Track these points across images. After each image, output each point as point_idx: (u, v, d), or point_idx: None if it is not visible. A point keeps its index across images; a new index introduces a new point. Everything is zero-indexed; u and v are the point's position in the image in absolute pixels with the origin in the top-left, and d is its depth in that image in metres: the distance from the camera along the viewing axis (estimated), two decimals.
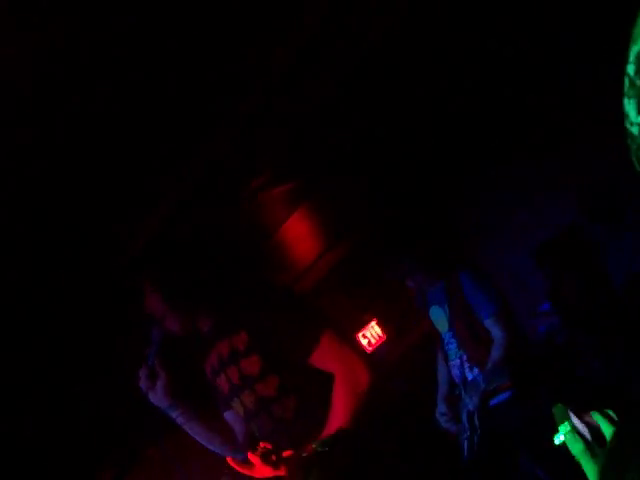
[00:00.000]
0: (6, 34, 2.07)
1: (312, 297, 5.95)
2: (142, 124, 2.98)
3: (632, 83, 0.80)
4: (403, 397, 5.23)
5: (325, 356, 2.38)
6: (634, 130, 0.81)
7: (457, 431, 3.75)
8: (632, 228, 4.19)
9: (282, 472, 1.97)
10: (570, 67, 4.69)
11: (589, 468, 1.20)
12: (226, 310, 2.55)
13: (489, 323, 3.75)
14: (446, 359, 3.98)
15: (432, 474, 2.77)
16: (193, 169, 3.50)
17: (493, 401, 3.64)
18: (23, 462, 3.80)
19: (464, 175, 5.99)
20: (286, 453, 2.09)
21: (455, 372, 3.90)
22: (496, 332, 3.72)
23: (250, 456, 2.01)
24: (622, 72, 0.81)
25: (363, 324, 6.62)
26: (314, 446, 1.60)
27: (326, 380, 2.37)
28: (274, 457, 1.97)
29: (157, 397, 2.52)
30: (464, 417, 3.65)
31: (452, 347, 3.92)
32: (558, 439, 1.24)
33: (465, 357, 3.84)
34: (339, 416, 2.30)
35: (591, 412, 1.24)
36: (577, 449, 1.22)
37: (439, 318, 3.98)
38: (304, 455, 1.61)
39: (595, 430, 1.22)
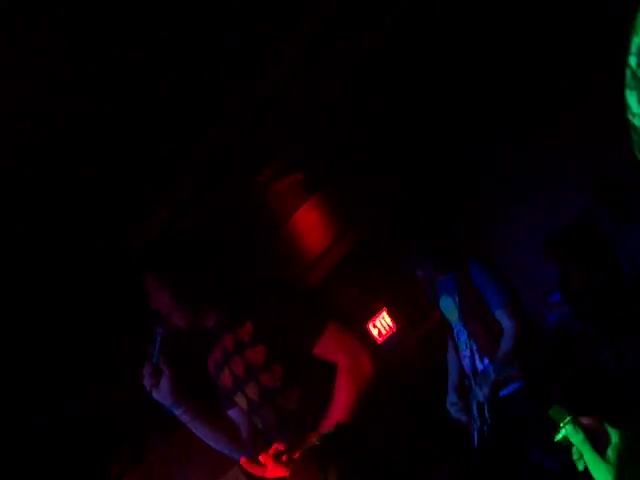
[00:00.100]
0: (6, 34, 2.08)
1: (323, 286, 5.96)
2: (154, 115, 3.00)
3: (634, 75, 0.79)
4: (413, 387, 5.25)
5: (329, 347, 2.37)
6: (636, 121, 0.81)
7: (467, 421, 3.77)
8: None
9: (286, 472, 1.95)
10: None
11: (590, 458, 1.23)
12: (232, 304, 2.54)
13: (499, 314, 3.75)
14: (456, 349, 3.99)
15: (442, 464, 2.78)
16: (203, 160, 3.51)
17: (503, 392, 3.66)
18: (26, 461, 3.80)
19: (475, 165, 5.98)
20: (297, 454, 2.09)
21: (466, 362, 3.90)
22: (506, 323, 3.72)
23: (262, 457, 2.00)
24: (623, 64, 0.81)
25: (374, 313, 6.63)
26: (315, 440, 1.60)
27: (330, 371, 2.37)
28: (285, 457, 1.96)
29: (161, 395, 2.51)
30: (474, 408, 3.66)
31: (462, 337, 3.92)
32: (560, 435, 1.26)
33: (475, 348, 3.85)
34: (340, 407, 2.30)
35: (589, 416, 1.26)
36: (578, 439, 1.24)
37: (449, 308, 3.98)
38: (308, 448, 1.61)
39: (595, 431, 1.24)
